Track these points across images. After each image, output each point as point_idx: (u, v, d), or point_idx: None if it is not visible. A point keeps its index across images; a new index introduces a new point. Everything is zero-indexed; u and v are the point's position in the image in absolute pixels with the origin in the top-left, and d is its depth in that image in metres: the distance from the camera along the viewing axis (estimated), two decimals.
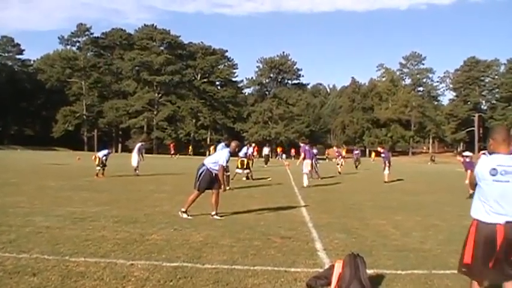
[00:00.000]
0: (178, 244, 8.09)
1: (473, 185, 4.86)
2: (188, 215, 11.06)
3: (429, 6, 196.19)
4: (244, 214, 11.81)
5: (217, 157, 11.80)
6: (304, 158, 21.87)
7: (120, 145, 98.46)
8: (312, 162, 22.60)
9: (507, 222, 4.53)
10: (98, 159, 23.12)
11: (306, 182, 21.19)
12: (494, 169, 4.62)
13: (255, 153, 35.29)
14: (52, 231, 8.85)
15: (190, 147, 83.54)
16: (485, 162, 4.73)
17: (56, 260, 6.64)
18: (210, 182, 11.48)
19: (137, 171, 24.60)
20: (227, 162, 12.06)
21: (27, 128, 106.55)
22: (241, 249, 7.86)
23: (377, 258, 7.55)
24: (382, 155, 27.31)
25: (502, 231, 4.51)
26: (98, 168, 22.79)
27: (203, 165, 11.65)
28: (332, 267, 5.76)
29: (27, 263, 6.48)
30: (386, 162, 26.12)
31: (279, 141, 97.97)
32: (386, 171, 25.99)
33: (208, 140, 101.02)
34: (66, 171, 27.29)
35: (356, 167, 42.19)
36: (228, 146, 13.79)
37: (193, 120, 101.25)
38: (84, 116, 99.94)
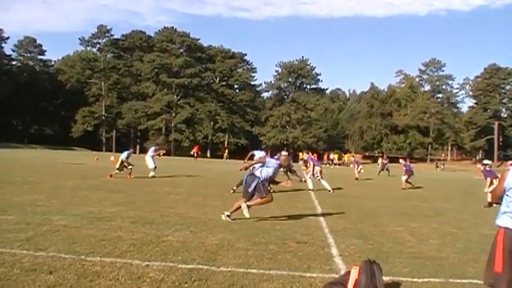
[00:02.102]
0: (193, 246, 8.09)
1: (498, 196, 4.82)
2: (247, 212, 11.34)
3: (449, 12, 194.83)
4: (260, 218, 11.78)
5: (269, 170, 11.85)
6: (313, 166, 22.20)
7: (138, 146, 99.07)
8: (321, 169, 22.59)
9: None
10: (120, 161, 23.23)
11: (310, 185, 21.65)
12: None
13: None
14: (69, 230, 8.91)
15: (226, 151, 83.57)
16: None
17: (72, 259, 6.67)
18: (261, 191, 11.54)
19: (152, 174, 24.51)
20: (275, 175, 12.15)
21: (47, 128, 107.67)
22: (256, 252, 7.84)
23: (393, 266, 7.50)
24: (404, 167, 27.66)
25: None
26: (117, 171, 22.89)
27: (255, 176, 11.67)
28: (348, 273, 5.72)
29: (43, 261, 6.53)
30: (409, 172, 26.94)
31: (297, 145, 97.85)
32: (404, 177, 26.30)
33: (226, 143, 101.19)
34: (84, 170, 27.44)
35: (379, 173, 42.14)
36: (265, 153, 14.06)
37: (211, 123, 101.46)
38: (103, 117, 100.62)
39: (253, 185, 11.46)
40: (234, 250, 7.95)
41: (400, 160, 31.40)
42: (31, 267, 6.19)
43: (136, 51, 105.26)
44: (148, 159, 25.38)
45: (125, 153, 23.88)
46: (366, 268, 5.47)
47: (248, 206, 11.40)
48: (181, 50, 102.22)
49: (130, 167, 23.16)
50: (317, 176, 21.90)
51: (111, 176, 22.36)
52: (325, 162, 63.95)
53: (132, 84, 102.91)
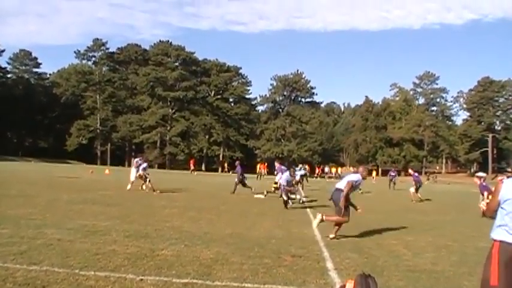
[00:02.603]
0: (188, 260, 8.04)
1: (492, 210, 4.83)
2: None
3: (442, 26, 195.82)
4: (255, 231, 11.76)
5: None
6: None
7: (133, 160, 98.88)
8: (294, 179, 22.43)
9: None
10: (141, 176, 23.34)
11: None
12: None
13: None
14: (63, 243, 8.86)
15: (225, 164, 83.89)
16: (509, 185, 4.74)
17: (66, 273, 6.63)
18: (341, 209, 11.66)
19: (130, 187, 23.94)
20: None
21: (42, 141, 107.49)
22: (251, 267, 7.80)
23: (388, 279, 7.49)
24: (414, 177, 28.05)
25: None
26: (146, 183, 23.09)
27: (339, 190, 11.87)
28: (343, 287, 5.69)
29: (37, 275, 6.48)
30: (417, 184, 27.58)
31: (292, 159, 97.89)
32: (412, 190, 27.36)
33: (220, 156, 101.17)
34: (79, 184, 27.37)
35: (389, 186, 42.34)
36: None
37: (206, 137, 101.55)
38: (98, 130, 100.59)
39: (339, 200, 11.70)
40: (229, 264, 7.90)
41: (410, 170, 31.63)
42: (24, 281, 6.14)
43: (132, 64, 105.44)
44: (132, 172, 25.13)
45: (143, 166, 23.96)
46: (361, 282, 5.43)
47: (322, 220, 11.52)
48: (177, 64, 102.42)
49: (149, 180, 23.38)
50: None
51: (154, 190, 22.79)
52: (316, 175, 63.68)
53: (127, 98, 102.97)
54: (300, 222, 14.43)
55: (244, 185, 25.26)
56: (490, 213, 4.86)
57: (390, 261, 9.06)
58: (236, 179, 25.53)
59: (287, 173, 20.51)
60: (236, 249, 9.30)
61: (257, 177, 52.99)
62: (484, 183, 19.66)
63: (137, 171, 24.37)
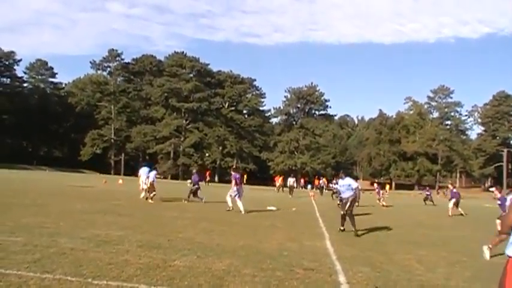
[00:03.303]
0: (200, 271, 8.02)
1: (509, 226, 4.79)
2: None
3: (457, 39, 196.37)
4: (267, 244, 11.73)
5: None
6: (236, 184, 21.55)
7: (140, 169, 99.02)
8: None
9: None
10: (150, 184, 23.46)
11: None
12: None
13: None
14: (76, 252, 8.89)
15: (245, 176, 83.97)
16: None
17: (79, 282, 6.65)
18: None
19: (144, 195, 24.36)
20: None
21: (56, 150, 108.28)
22: (263, 279, 7.77)
23: None
24: (452, 193, 28.52)
25: None
26: (153, 193, 23.19)
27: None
28: None
29: (50, 283, 6.51)
30: (454, 199, 28.16)
31: (305, 171, 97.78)
32: (451, 205, 27.90)
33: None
34: (92, 193, 27.49)
35: (425, 202, 41.66)
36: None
37: (220, 148, 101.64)
38: (112, 140, 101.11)
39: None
40: (241, 276, 7.88)
41: (449, 185, 31.82)
42: None
43: (147, 75, 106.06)
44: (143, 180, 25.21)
45: (153, 173, 24.15)
46: None
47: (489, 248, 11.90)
48: (191, 75, 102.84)
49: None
50: (235, 195, 21.29)
51: (148, 198, 23.12)
52: (314, 187, 63.17)
53: (141, 108, 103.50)
54: (312, 234, 14.39)
55: (195, 194, 24.99)
56: (507, 229, 4.82)
57: (403, 275, 8.99)
58: (191, 187, 25.20)
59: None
60: (248, 261, 9.28)
61: (277, 189, 53.81)
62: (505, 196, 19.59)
63: (149, 179, 24.45)
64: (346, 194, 15.78)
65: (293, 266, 9.02)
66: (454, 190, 29.22)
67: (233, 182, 21.89)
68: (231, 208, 21.04)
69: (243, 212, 20.21)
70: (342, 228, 15.77)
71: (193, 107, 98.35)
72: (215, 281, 7.42)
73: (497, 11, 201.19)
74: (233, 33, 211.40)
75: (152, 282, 7.04)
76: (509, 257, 4.62)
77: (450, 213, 27.08)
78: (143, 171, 25.73)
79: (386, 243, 13.79)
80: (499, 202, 18.63)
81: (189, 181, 26.30)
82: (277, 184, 57.32)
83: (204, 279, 7.48)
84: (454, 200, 27.97)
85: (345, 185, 15.87)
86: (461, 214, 27.62)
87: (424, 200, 42.26)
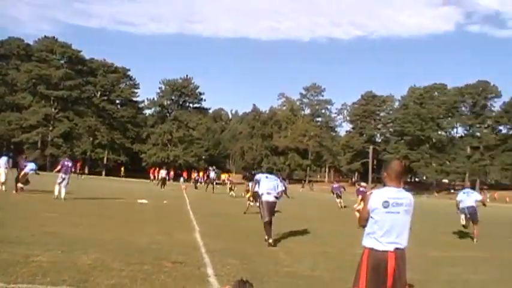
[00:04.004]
0: (65, 267, 7.68)
1: (365, 219, 5.05)
2: None
3: (330, 40, 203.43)
4: (136, 237, 11.53)
5: None
6: (59, 171, 21.56)
7: (11, 160, 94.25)
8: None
9: (396, 248, 4.85)
10: (25, 174, 22.26)
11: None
12: (386, 201, 4.95)
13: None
14: None
15: (122, 169, 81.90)
16: (378, 195, 5.05)
17: None
18: None
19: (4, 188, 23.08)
20: None
21: None
22: (130, 273, 7.60)
23: (267, 285, 7.58)
24: (334, 185, 31.29)
25: (392, 258, 4.80)
26: (21, 185, 21.97)
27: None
28: None
29: None
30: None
31: (178, 164, 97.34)
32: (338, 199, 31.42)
33: (105, 159, 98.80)
34: None
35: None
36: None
37: (91, 139, 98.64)
38: None
39: None
40: (108, 271, 7.65)
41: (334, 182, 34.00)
42: None
43: (13, 59, 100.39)
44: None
45: (30, 166, 22.95)
46: (238, 287, 5.48)
47: None
48: (62, 62, 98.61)
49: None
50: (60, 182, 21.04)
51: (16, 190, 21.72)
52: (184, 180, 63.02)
53: (6, 94, 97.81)
54: (182, 228, 14.34)
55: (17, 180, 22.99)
56: (364, 222, 5.11)
57: (270, 267, 9.18)
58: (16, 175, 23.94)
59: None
60: (116, 255, 9.04)
61: (158, 182, 47.16)
62: (360, 189, 21.68)
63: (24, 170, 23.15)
64: (271, 196, 12.82)
65: (161, 259, 8.92)
66: (335, 185, 30.95)
67: (61, 168, 21.38)
68: (56, 197, 20.63)
69: (63, 200, 20.14)
70: (270, 241, 12.29)
71: (63, 95, 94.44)
72: (80, 276, 7.16)
73: (369, 15, 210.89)
74: (109, 20, 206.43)
75: (11, 279, 6.64)
76: (365, 247, 4.91)
77: (340, 206, 29.80)
78: (2, 161, 24.37)
79: (255, 235, 13.99)
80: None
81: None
82: (158, 177, 55.91)
83: (68, 274, 7.18)
84: (335, 194, 30.00)
85: (270, 181, 13.23)
86: (341, 207, 29.33)
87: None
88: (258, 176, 13.65)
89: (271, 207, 12.68)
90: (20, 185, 22.35)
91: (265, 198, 12.68)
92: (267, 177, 13.33)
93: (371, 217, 4.98)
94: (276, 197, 12.90)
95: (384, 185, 5.11)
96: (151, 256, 9.20)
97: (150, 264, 8.41)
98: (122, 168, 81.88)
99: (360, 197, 21.41)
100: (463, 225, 17.11)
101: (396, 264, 4.80)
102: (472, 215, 16.46)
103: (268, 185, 12.87)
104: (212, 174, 44.93)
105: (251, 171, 34.65)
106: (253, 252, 10.87)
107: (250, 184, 23.34)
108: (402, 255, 4.89)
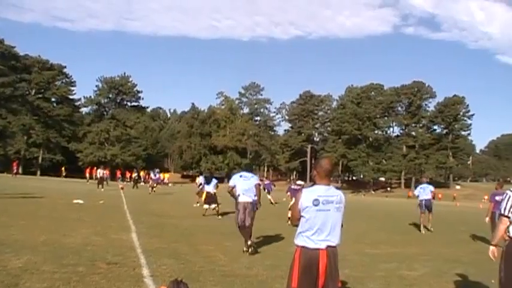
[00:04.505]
0: None
1: (297, 218, 5.12)
2: None
3: (269, 39, 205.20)
4: (71, 238, 11.32)
5: None
6: None
7: None
8: None
9: (328, 246, 4.94)
10: None
11: None
12: (316, 199, 5.01)
13: None
14: None
15: (62, 169, 79.45)
16: (308, 194, 5.10)
17: None
18: None
19: None
20: None
21: None
22: (64, 275, 7.45)
23: (203, 284, 7.58)
24: (266, 182, 32.74)
25: (324, 256, 4.89)
26: None
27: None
28: None
29: None
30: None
31: (115, 163, 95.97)
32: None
33: (40, 158, 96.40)
34: None
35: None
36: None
37: (25, 137, 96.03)
38: None
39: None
40: (40, 273, 7.47)
41: (264, 178, 35.24)
42: None
43: None
44: None
45: None
46: (173, 287, 5.47)
47: None
48: None
49: None
50: None
51: None
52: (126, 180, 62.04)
53: None
54: (118, 228, 14.15)
55: None
56: (295, 221, 5.19)
57: (206, 266, 9.18)
58: None
59: None
60: (49, 257, 8.85)
61: (98, 183, 42.23)
62: (292, 186, 22.91)
63: None
64: (246, 196, 11.66)
65: (96, 261, 8.80)
66: (267, 182, 32.06)
67: None
68: None
69: None
70: (248, 248, 11.28)
71: None
72: (10, 279, 6.97)
73: (308, 15, 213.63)
74: (43, 15, 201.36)
75: None
76: (297, 246, 5.00)
77: (271, 202, 31.29)
78: None
79: (192, 234, 13.99)
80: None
81: None
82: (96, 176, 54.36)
83: None
84: (266, 190, 31.12)
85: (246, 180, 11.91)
86: (272, 203, 30.36)
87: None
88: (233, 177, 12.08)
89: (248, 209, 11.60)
90: None
91: (241, 199, 11.54)
92: (241, 176, 11.95)
93: (302, 216, 5.04)
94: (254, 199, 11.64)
95: (314, 183, 5.19)
96: (85, 257, 9.05)
97: (84, 266, 8.28)
98: (63, 168, 79.70)
99: (289, 193, 23.57)
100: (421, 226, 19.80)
101: (328, 261, 4.88)
102: (427, 206, 19.73)
103: (243, 185, 11.59)
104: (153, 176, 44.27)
105: (211, 172, 35.17)
106: (189, 251, 10.85)
107: (203, 185, 23.26)
108: (334, 253, 4.99)
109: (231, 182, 11.82)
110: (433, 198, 20.94)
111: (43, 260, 8.56)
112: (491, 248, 5.92)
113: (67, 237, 11.41)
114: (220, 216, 20.62)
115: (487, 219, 15.50)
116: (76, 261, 8.62)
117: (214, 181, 22.67)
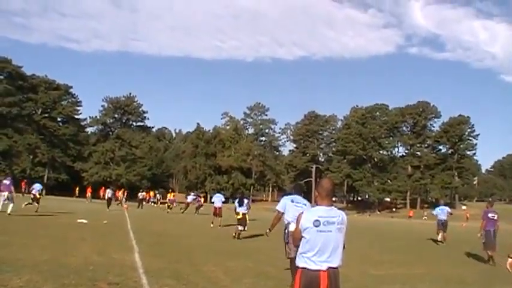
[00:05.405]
0: None
1: (298, 239, 5.08)
2: None
3: (274, 60, 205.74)
4: (73, 258, 11.25)
5: None
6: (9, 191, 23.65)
7: None
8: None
9: (329, 268, 4.88)
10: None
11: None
12: (317, 220, 4.97)
13: None
14: None
15: (77, 188, 79.25)
16: (309, 215, 5.06)
17: None
18: None
19: None
20: None
21: None
22: None
23: None
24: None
25: (325, 277, 4.83)
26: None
27: None
28: None
29: None
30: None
31: (120, 183, 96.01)
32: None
33: (45, 178, 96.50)
34: None
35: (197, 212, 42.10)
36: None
37: (30, 157, 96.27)
38: None
39: None
40: None
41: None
42: None
43: None
44: None
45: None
46: None
47: None
48: (1, 77, 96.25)
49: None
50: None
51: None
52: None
53: None
54: (121, 248, 14.07)
55: None
56: (297, 242, 5.13)
57: (208, 287, 9.10)
58: None
59: None
60: (50, 276, 8.80)
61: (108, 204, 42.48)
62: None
63: None
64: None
65: (97, 281, 8.74)
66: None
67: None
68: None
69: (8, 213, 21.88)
70: None
71: (3, 111, 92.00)
72: None
73: (311, 36, 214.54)
74: (50, 36, 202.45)
75: None
76: (298, 267, 4.95)
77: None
78: None
79: (195, 254, 13.89)
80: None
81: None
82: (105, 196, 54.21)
83: None
84: None
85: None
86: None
87: (197, 209, 43.02)
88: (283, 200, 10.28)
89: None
90: None
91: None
92: (292, 200, 10.15)
93: (303, 236, 4.99)
94: None
95: (316, 204, 5.15)
96: (86, 277, 8.99)
97: (85, 286, 8.24)
98: (77, 188, 78.92)
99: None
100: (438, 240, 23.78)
101: (329, 283, 4.83)
102: (444, 226, 23.94)
103: (295, 213, 8.42)
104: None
105: (242, 193, 34.55)
106: (191, 271, 10.76)
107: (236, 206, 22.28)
108: (335, 274, 4.93)
109: (280, 207, 10.17)
110: (450, 213, 25.23)
111: (44, 279, 8.51)
112: (509, 260, 5.90)
113: (68, 257, 11.35)
114: (238, 239, 20.19)
115: (479, 235, 16.86)
116: (77, 281, 8.56)
117: (245, 201, 22.11)
